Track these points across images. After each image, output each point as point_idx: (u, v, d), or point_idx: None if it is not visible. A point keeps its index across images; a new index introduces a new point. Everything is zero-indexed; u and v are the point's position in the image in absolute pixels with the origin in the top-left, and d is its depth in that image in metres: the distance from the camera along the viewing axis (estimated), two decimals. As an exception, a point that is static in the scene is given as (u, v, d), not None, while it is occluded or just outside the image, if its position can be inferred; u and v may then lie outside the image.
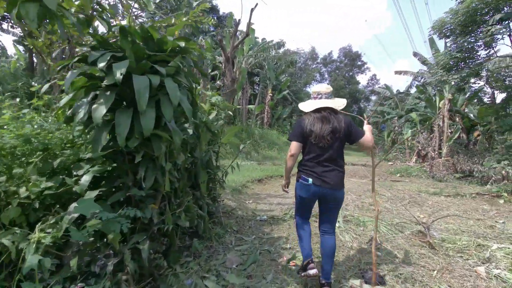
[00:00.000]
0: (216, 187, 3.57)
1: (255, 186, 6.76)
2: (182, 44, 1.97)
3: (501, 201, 6.27)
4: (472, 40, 8.20)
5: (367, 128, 2.27)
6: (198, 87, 3.20)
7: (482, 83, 11.46)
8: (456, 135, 13.30)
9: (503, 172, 7.28)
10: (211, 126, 2.96)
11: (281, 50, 26.39)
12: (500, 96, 18.04)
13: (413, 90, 22.24)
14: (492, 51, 8.14)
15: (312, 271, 2.11)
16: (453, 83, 8.41)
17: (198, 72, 8.05)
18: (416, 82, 18.51)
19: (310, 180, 2.11)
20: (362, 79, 57.23)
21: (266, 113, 16.21)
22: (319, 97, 2.22)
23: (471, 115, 14.79)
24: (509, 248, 2.81)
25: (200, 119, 2.81)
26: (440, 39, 10.15)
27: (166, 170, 2.01)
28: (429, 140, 14.05)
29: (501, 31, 7.38)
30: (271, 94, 16.30)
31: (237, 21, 9.04)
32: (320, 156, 2.12)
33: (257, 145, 12.01)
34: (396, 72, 17.70)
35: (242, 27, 12.72)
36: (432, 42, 14.13)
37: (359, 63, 31.14)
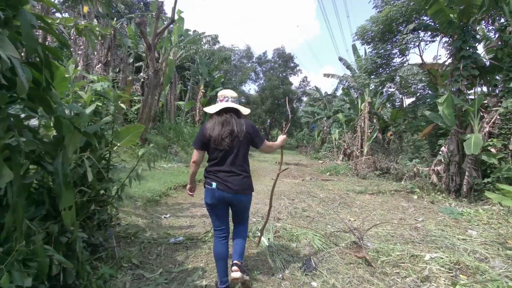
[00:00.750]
0: (106, 208, 2.60)
1: (179, 193, 5.83)
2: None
3: (415, 197, 6.79)
4: (389, 47, 8.88)
5: (281, 139, 2.46)
6: (62, 65, 2.20)
7: (393, 89, 12.83)
8: (375, 135, 14.66)
9: (415, 169, 8.00)
10: (79, 122, 2.00)
11: (216, 47, 25.55)
12: (407, 101, 20.84)
13: (339, 92, 24.07)
14: (405, 59, 8.97)
15: None
16: (373, 86, 9.01)
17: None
18: (342, 85, 19.96)
19: (214, 184, 2.09)
20: (295, 80, 60.37)
21: (197, 110, 15.10)
22: (225, 99, 2.23)
23: (385, 117, 16.60)
24: (441, 258, 2.66)
25: (64, 111, 1.84)
26: (362, 45, 10.85)
27: None
28: (353, 139, 15.21)
29: (414, 40, 8.11)
30: (203, 91, 15.27)
31: (160, 3, 7.86)
32: (222, 160, 2.11)
33: (187, 144, 10.95)
34: (325, 75, 18.76)
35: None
36: (354, 49, 15.26)
37: (292, 64, 32.45)
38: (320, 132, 22.73)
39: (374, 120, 16.50)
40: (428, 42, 9.15)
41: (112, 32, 9.24)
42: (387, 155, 11.34)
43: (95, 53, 10.14)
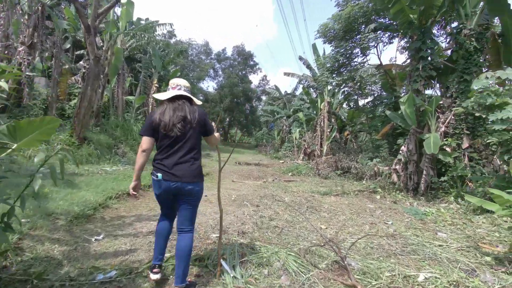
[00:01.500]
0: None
1: (122, 204, 4.83)
2: None
3: (378, 197, 6.72)
4: (351, 46, 8.84)
5: (217, 135, 2.34)
6: None
7: (350, 89, 13.10)
8: (334, 134, 14.89)
9: (375, 168, 8.03)
10: None
11: (173, 41, 23.88)
12: (361, 102, 21.77)
13: (298, 92, 24.31)
14: (365, 59, 9.02)
15: (154, 276, 2.10)
16: (334, 84, 8.87)
17: None
18: (301, 85, 20.09)
19: (160, 175, 1.98)
20: (254, 79, 60.33)
21: (150, 106, 13.64)
22: (177, 87, 2.11)
23: (343, 117, 17.05)
24: (436, 278, 2.28)
25: None
26: (324, 43, 10.74)
27: None
28: (313, 139, 15.28)
29: (375, 39, 8.14)
30: (157, 85, 13.87)
31: (101, -23, 6.64)
32: (171, 147, 2.00)
33: (136, 144, 9.68)
34: (285, 74, 18.64)
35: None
36: (314, 48, 15.32)
37: (252, 62, 32.01)
38: (280, 131, 22.71)
39: (332, 120, 16.81)
40: (386, 44, 9.33)
41: (40, 8, 7.64)
42: (347, 154, 11.45)
43: (19, 34, 8.35)
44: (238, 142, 41.10)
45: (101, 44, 11.01)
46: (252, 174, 10.03)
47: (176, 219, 2.15)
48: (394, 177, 7.13)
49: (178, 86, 2.11)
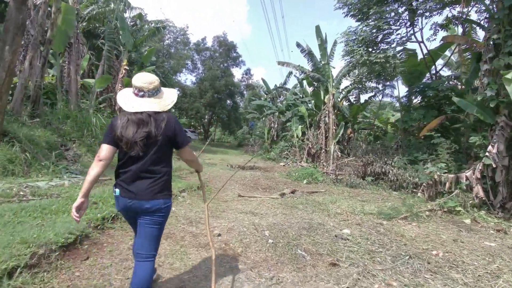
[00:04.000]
0: None
1: (48, 275, 2.16)
2: None
3: (467, 221, 4.61)
4: (399, 11, 6.61)
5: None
6: None
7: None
8: (341, 132, 12.84)
9: (435, 176, 5.94)
10: None
11: (154, 23, 20.44)
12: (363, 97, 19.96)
13: (289, 85, 22.13)
14: (411, 31, 6.90)
15: None
16: (380, 60, 6.62)
17: None
18: (296, 77, 17.95)
19: (118, 190, 1.70)
20: (237, 73, 57.14)
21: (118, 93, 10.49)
22: (140, 94, 1.70)
23: (346, 112, 15.09)
24: None
25: None
26: (346, 16, 8.46)
27: None
28: (316, 137, 13.13)
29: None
30: (127, 68, 10.78)
31: None
32: (132, 160, 1.67)
33: (96, 143, 6.73)
34: (279, 63, 16.33)
35: None
36: (318, 31, 13.16)
37: (234, 54, 29.18)
38: (270, 129, 20.35)
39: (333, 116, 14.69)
40: (429, 16, 7.29)
41: None
42: (362, 155, 9.35)
43: None
44: (218, 141, 38.24)
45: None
46: (258, 183, 7.56)
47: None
48: (479, 190, 5.06)
49: (140, 92, 1.69)
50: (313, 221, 4.16)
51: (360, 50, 6.85)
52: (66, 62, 8.34)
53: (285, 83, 22.68)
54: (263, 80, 23.20)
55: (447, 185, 5.89)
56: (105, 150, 1.65)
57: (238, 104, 29.74)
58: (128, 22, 11.62)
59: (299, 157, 13.08)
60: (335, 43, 14.49)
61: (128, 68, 10.78)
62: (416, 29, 7.18)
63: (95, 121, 6.96)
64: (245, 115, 28.51)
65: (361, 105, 14.84)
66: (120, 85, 10.41)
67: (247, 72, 31.78)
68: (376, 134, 15.70)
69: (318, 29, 13.12)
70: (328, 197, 6.27)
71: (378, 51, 7.01)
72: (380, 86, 14.94)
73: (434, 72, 7.88)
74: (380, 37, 6.94)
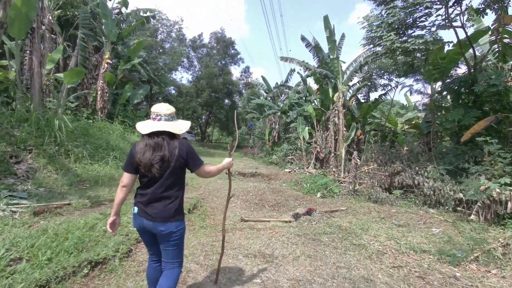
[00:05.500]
0: None
1: None
2: None
3: None
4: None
5: (226, 161, 2.21)
6: None
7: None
8: (352, 134, 11.50)
9: (494, 194, 4.61)
10: None
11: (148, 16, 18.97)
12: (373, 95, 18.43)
13: (292, 84, 20.78)
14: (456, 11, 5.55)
15: None
16: (417, 46, 5.32)
17: None
18: (299, 74, 16.61)
19: (136, 209, 1.90)
20: (235, 71, 55.51)
21: (99, 91, 8.96)
22: (157, 118, 1.91)
23: (355, 111, 13.77)
24: None
25: None
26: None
27: None
28: (325, 140, 11.79)
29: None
30: (109, 61, 9.34)
31: None
32: (149, 184, 1.88)
33: (63, 153, 5.30)
34: (282, 58, 14.97)
35: None
36: (326, 22, 11.84)
37: (233, 51, 27.73)
38: (272, 130, 18.96)
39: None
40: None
41: None
42: (385, 162, 8.02)
43: None
44: (215, 142, 36.83)
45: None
46: (264, 199, 6.20)
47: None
48: None
49: (158, 116, 1.90)
50: (353, 274, 2.82)
51: (390, 35, 5.51)
52: (28, 52, 6.91)
53: (286, 81, 21.32)
54: (263, 78, 21.81)
55: (510, 205, 4.61)
56: (126, 178, 1.88)
57: (236, 104, 28.32)
58: (112, 9, 10.29)
59: (305, 162, 11.72)
60: (343, 37, 13.22)
61: (111, 62, 9.34)
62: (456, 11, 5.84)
63: (59, 125, 5.54)
64: (244, 115, 27.10)
65: (372, 104, 13.50)
66: (101, 81, 8.96)
67: (246, 70, 30.37)
68: (387, 136, 14.39)
69: (326, 19, 11.78)
70: (354, 220, 4.94)
71: (411, 37, 5.68)
72: (392, 83, 13.63)
73: (472, 64, 6.53)
74: (411, 21, 5.59)
